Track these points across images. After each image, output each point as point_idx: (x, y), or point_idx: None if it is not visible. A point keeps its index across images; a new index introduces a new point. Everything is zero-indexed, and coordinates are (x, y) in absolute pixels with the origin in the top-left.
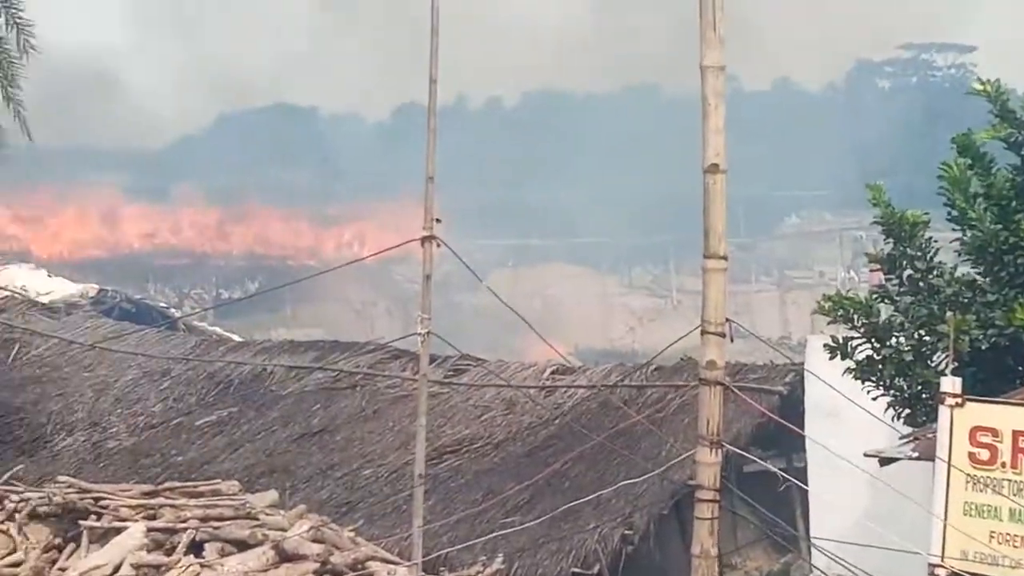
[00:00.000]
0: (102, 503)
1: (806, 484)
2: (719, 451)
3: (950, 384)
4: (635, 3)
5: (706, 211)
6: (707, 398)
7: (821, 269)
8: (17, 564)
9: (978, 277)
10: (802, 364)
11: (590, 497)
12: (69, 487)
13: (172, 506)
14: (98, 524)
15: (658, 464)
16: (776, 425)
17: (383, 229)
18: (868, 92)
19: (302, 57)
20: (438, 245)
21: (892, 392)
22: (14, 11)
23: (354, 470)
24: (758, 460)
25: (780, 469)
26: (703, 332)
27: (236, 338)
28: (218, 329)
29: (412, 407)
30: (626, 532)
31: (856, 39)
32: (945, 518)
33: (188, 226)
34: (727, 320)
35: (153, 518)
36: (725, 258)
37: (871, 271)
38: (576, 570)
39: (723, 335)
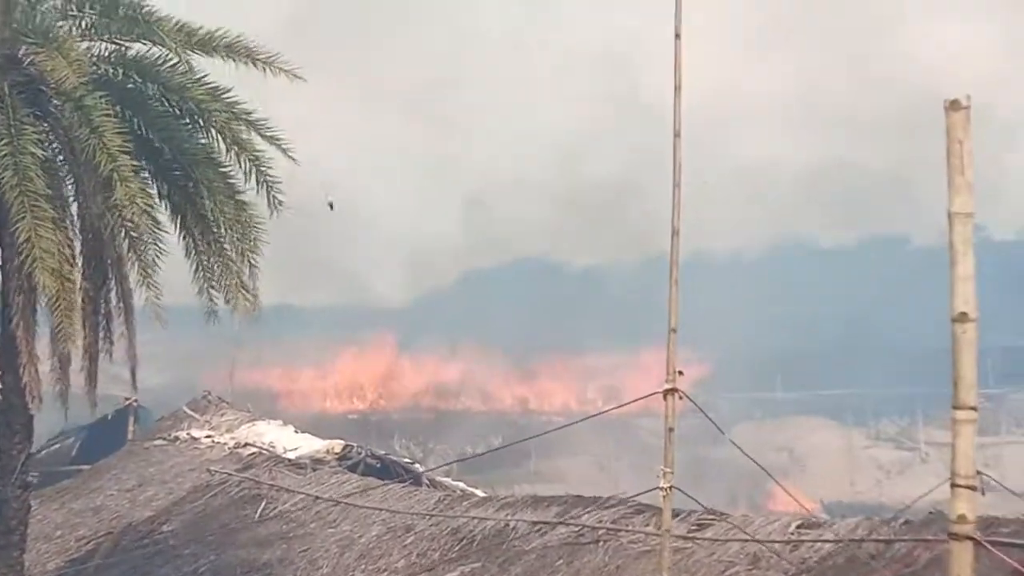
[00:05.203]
0: None
1: None
2: None
3: None
4: (876, 152)
5: (955, 360)
6: (958, 553)
7: None
8: None
9: None
10: None
11: None
12: None
13: None
14: None
15: None
16: None
17: (629, 382)
18: None
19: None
20: (680, 398)
21: None
22: (264, 169)
23: None
24: None
25: None
26: (952, 485)
27: (479, 493)
28: (462, 484)
29: (656, 562)
30: None
31: None
32: None
33: (431, 381)
34: (977, 472)
35: None
36: (975, 409)
37: None
38: None
39: (974, 488)
